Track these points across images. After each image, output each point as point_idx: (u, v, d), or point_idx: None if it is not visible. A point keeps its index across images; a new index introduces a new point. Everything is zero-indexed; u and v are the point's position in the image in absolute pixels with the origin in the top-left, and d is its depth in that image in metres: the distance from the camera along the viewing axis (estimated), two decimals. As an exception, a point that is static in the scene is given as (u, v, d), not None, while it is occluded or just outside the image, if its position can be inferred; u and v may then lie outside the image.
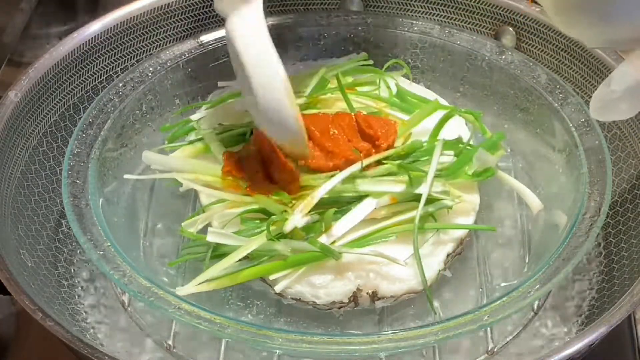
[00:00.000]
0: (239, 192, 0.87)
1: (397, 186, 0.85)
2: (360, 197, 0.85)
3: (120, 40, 1.05)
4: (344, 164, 0.87)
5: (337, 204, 0.85)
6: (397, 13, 1.11)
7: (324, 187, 0.84)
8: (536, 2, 1.04)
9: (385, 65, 1.02)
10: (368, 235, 0.84)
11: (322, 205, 0.84)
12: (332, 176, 0.85)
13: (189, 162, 0.91)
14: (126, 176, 0.92)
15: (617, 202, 0.95)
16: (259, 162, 0.87)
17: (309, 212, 0.83)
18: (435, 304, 0.88)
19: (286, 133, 0.85)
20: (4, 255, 0.83)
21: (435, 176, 0.85)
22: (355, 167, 0.86)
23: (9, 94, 0.95)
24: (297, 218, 0.82)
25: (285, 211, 0.83)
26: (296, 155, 0.87)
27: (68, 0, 1.34)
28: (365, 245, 0.83)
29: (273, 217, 0.83)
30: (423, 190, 0.84)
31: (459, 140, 0.91)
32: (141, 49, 1.07)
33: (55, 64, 0.99)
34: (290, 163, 0.87)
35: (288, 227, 0.81)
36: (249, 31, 0.84)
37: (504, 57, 1.00)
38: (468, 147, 0.90)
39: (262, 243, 0.81)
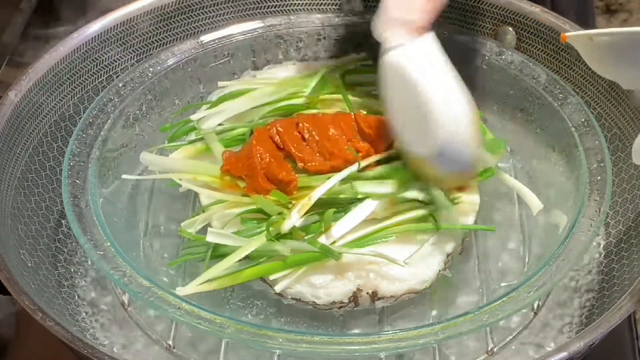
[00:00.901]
0: (237, 192, 0.87)
1: (395, 188, 0.85)
2: (359, 198, 0.85)
3: (120, 40, 1.05)
4: (343, 164, 0.86)
5: (337, 205, 0.85)
6: (397, 13, 1.10)
7: (322, 188, 0.84)
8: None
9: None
10: (368, 235, 0.84)
11: (321, 206, 0.84)
12: (330, 177, 0.85)
13: (186, 163, 0.91)
14: (124, 176, 0.92)
15: (617, 202, 0.95)
16: (258, 162, 0.87)
17: (307, 212, 0.83)
18: (435, 303, 0.88)
19: (463, 167, 0.83)
20: (4, 255, 0.83)
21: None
22: (353, 168, 0.85)
23: (9, 94, 0.95)
24: (294, 219, 0.82)
25: (282, 212, 0.83)
26: (458, 185, 0.87)
27: (68, 0, 1.34)
28: (365, 246, 0.83)
29: (273, 217, 0.83)
30: (421, 193, 0.84)
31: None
32: (141, 49, 1.07)
33: (55, 64, 0.99)
34: (288, 164, 0.87)
35: (285, 227, 0.81)
36: (430, 63, 0.80)
37: (504, 57, 1.00)
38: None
39: (262, 243, 0.81)
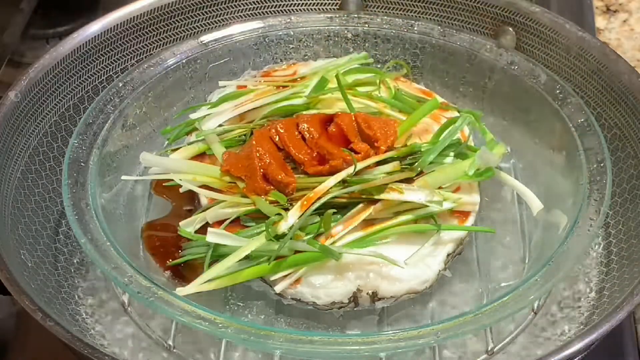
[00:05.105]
0: (236, 192, 0.87)
1: (392, 194, 0.85)
2: (358, 199, 0.85)
3: (120, 40, 1.05)
4: (342, 165, 0.86)
5: (335, 206, 0.84)
6: (397, 13, 1.10)
7: (319, 189, 0.84)
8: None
9: (386, 65, 1.02)
10: (368, 235, 0.84)
11: (319, 207, 0.83)
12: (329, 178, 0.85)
13: (186, 163, 0.91)
14: (124, 177, 0.92)
15: (617, 202, 0.95)
16: (257, 163, 0.86)
17: (304, 213, 0.83)
18: (435, 304, 0.88)
19: None
20: (4, 255, 0.83)
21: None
22: (351, 170, 0.85)
23: (9, 94, 0.95)
24: (291, 220, 0.82)
25: (280, 213, 0.83)
26: None
27: (68, 0, 1.34)
28: (366, 246, 0.83)
29: (273, 217, 0.82)
30: (419, 198, 0.84)
31: (458, 140, 0.91)
32: (141, 49, 1.07)
33: (55, 64, 0.99)
34: (287, 165, 0.87)
35: (281, 228, 0.81)
36: None
37: (504, 57, 1.00)
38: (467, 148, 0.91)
39: (262, 243, 0.81)
